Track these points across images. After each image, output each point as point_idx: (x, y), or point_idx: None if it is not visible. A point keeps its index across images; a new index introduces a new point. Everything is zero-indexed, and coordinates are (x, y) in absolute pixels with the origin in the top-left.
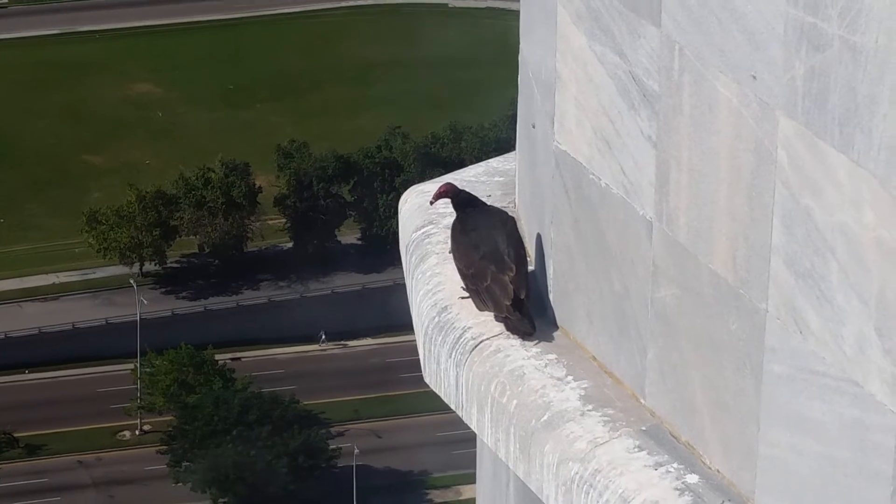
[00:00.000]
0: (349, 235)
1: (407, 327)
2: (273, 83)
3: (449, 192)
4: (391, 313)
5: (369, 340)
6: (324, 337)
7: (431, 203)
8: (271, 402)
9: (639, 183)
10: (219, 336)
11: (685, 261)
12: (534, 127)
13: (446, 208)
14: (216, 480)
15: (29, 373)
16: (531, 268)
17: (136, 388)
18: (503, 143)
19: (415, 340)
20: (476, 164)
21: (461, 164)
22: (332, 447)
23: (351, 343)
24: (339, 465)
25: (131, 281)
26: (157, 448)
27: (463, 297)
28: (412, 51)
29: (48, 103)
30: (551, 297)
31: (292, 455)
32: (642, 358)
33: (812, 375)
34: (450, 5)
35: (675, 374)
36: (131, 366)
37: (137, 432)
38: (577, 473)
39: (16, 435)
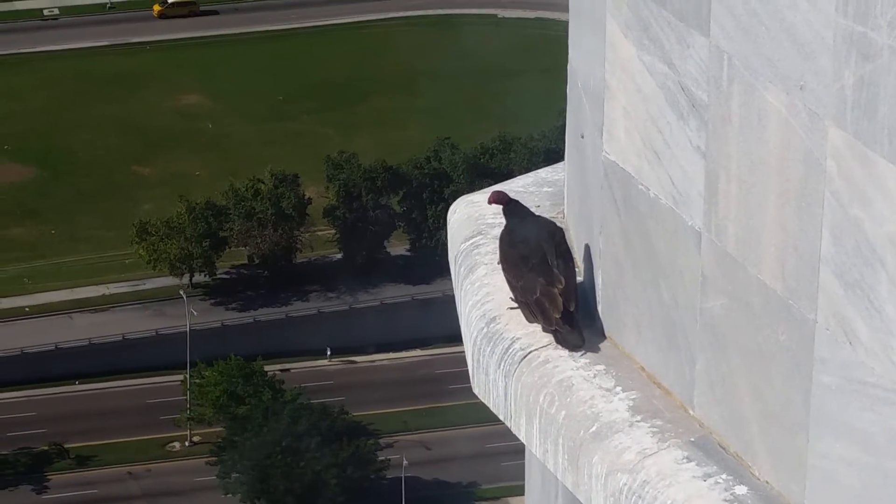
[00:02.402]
0: (398, 246)
1: (456, 338)
2: (322, 94)
3: (501, 199)
4: (440, 324)
5: (418, 351)
6: (329, 353)
7: (489, 203)
8: (320, 413)
9: (688, 193)
10: (268, 347)
11: (734, 271)
12: (582, 137)
13: (495, 219)
14: (265, 492)
15: (79, 384)
16: (580, 278)
17: (186, 400)
18: (552, 154)
19: (463, 351)
20: (525, 175)
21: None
22: (380, 458)
23: (398, 354)
24: (387, 476)
25: (181, 292)
26: (206, 459)
27: (511, 308)
28: (461, 61)
29: (98, 115)
30: (600, 307)
31: (341, 466)
32: (691, 368)
33: (861, 386)
34: (499, 15)
35: (723, 384)
36: (181, 377)
37: (187, 443)
38: (625, 484)
39: (66, 446)
